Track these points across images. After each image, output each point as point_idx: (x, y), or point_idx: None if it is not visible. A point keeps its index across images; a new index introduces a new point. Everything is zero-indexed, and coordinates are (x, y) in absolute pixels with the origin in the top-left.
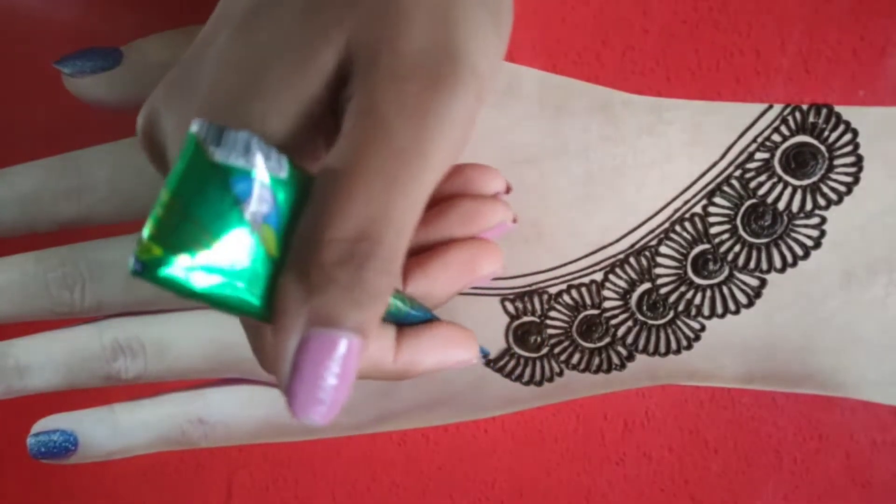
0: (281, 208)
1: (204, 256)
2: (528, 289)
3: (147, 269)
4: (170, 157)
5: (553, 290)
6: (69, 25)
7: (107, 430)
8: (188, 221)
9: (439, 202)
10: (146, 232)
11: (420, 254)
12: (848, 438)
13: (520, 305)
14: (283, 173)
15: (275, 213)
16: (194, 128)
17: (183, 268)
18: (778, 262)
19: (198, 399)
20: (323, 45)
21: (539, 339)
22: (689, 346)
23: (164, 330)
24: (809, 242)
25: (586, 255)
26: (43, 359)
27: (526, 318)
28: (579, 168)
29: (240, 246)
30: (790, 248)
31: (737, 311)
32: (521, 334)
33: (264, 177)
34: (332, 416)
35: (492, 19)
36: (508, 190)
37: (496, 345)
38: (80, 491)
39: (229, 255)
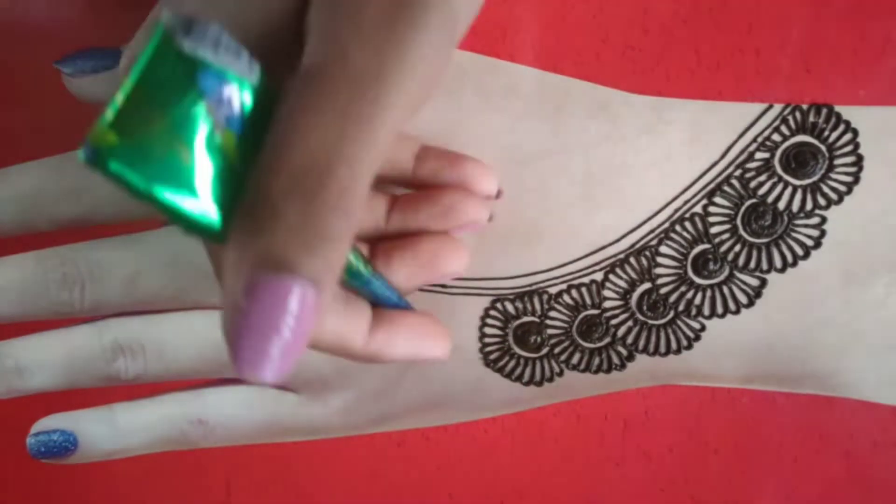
0: (246, 115)
1: (161, 151)
2: (528, 289)
3: (99, 156)
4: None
5: (553, 290)
6: (69, 25)
7: (107, 430)
8: (149, 111)
9: (429, 188)
10: (104, 117)
11: (389, 240)
12: (848, 438)
13: (520, 305)
14: (253, 77)
15: (239, 119)
16: (164, 17)
17: (137, 162)
18: (778, 262)
19: (198, 399)
20: None
21: (539, 339)
22: (689, 346)
23: (163, 330)
24: (809, 242)
25: (586, 255)
26: (43, 359)
27: (526, 318)
28: (579, 168)
29: (200, 146)
30: (790, 248)
31: (737, 311)
32: (521, 334)
33: (229, 75)
34: (282, 374)
35: None
36: (499, 195)
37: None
38: (80, 491)
39: (187, 155)
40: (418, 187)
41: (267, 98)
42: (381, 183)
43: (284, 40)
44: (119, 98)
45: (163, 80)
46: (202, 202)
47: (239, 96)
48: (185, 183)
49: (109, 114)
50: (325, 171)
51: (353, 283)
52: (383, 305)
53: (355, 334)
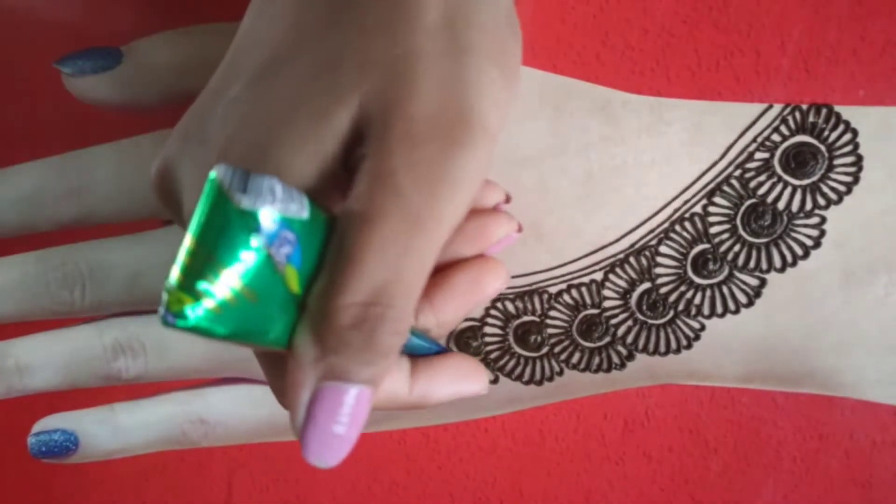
0: (303, 247)
1: (232, 300)
2: (528, 288)
3: (178, 318)
4: (186, 208)
5: (553, 290)
6: (69, 25)
7: (107, 430)
8: (214, 267)
9: None
10: (174, 281)
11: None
12: (848, 438)
13: (520, 305)
14: (305, 213)
15: (297, 253)
16: (217, 172)
17: (212, 314)
18: (778, 262)
19: (198, 399)
20: (337, 107)
21: (539, 338)
22: (689, 346)
23: (164, 330)
24: (809, 242)
25: (586, 255)
26: (43, 359)
27: (526, 318)
28: (579, 168)
29: (263, 287)
30: (790, 248)
31: (737, 311)
32: (521, 334)
33: (286, 219)
34: (341, 459)
35: (501, 74)
36: (508, 200)
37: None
38: (80, 491)
39: (254, 296)
40: None
41: (322, 226)
42: None
43: (335, 170)
44: (184, 258)
45: (222, 233)
46: (269, 330)
47: (295, 235)
48: (254, 321)
49: (177, 275)
50: (388, 305)
51: (402, 351)
52: (421, 356)
53: (400, 388)
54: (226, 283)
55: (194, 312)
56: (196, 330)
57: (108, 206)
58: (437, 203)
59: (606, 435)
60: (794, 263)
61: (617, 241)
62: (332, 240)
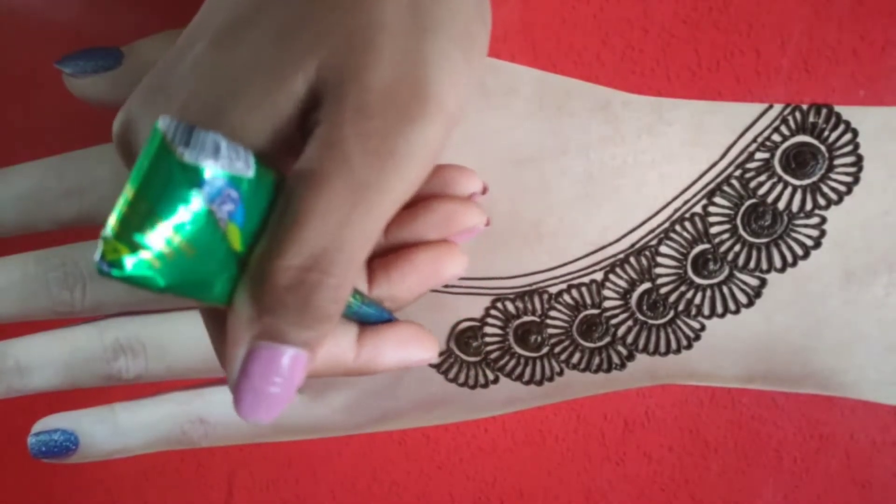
0: (246, 205)
1: (169, 253)
2: (528, 288)
3: (113, 268)
4: None
5: (553, 290)
6: (69, 25)
7: (107, 430)
8: (152, 219)
9: (415, 202)
10: (110, 230)
11: (387, 254)
12: (848, 438)
13: (520, 305)
14: (250, 172)
15: (240, 211)
16: (161, 124)
17: (148, 266)
18: (778, 262)
19: (198, 399)
20: (294, 71)
21: (539, 338)
22: (689, 346)
23: (164, 330)
24: (809, 242)
25: (586, 255)
26: (43, 358)
27: (526, 318)
28: (579, 168)
29: (204, 242)
30: (790, 248)
31: (737, 311)
32: (521, 334)
33: (230, 177)
34: (274, 416)
35: (464, 57)
36: (485, 190)
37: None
38: (80, 491)
39: (193, 251)
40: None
41: (268, 184)
42: None
43: (289, 134)
44: (122, 208)
45: (164, 186)
46: (209, 286)
47: (238, 192)
48: (193, 276)
49: (114, 223)
50: (325, 272)
51: (349, 316)
52: (370, 323)
53: (345, 354)
54: (163, 236)
55: (131, 262)
56: (132, 280)
57: (107, 206)
58: (384, 175)
59: (606, 435)
60: (794, 263)
61: (617, 241)
62: (279, 201)
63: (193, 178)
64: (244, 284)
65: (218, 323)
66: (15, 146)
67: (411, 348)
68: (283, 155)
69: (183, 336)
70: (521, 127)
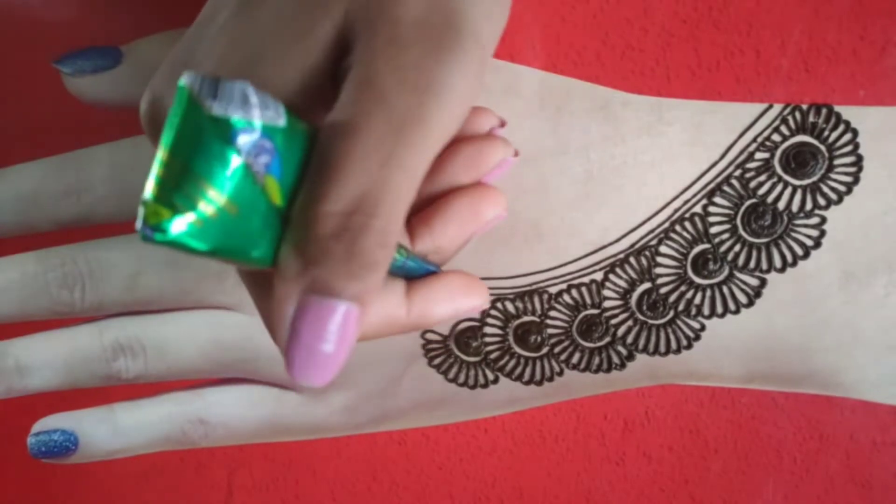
0: (282, 156)
1: (212, 213)
2: (528, 288)
3: (157, 232)
4: None
5: (553, 290)
6: (69, 25)
7: (107, 430)
8: (190, 178)
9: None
10: (150, 194)
11: (423, 209)
12: (848, 438)
13: (520, 305)
14: (282, 121)
15: (276, 162)
16: (186, 80)
17: (192, 227)
18: (778, 262)
19: (198, 399)
20: (321, 16)
21: (539, 338)
22: (689, 346)
23: (164, 330)
24: (809, 242)
25: (586, 255)
26: (43, 358)
27: (526, 318)
28: (579, 168)
29: (244, 199)
30: (790, 248)
31: (737, 311)
32: (521, 334)
33: (263, 126)
34: (329, 379)
35: None
36: (503, 124)
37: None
38: (80, 491)
39: (235, 209)
40: None
41: (302, 136)
42: None
43: (322, 84)
44: (158, 170)
45: (196, 143)
46: (254, 245)
47: (272, 143)
48: (238, 237)
49: (152, 186)
50: (370, 215)
51: (395, 272)
52: (416, 277)
53: (397, 310)
54: (204, 195)
55: (174, 226)
56: (177, 244)
57: (107, 206)
58: (423, 110)
59: (606, 435)
60: (794, 263)
61: (617, 241)
62: (315, 149)
63: (225, 130)
64: (288, 239)
65: (263, 287)
66: (15, 146)
67: (462, 297)
68: (316, 107)
69: (183, 336)
70: (521, 127)
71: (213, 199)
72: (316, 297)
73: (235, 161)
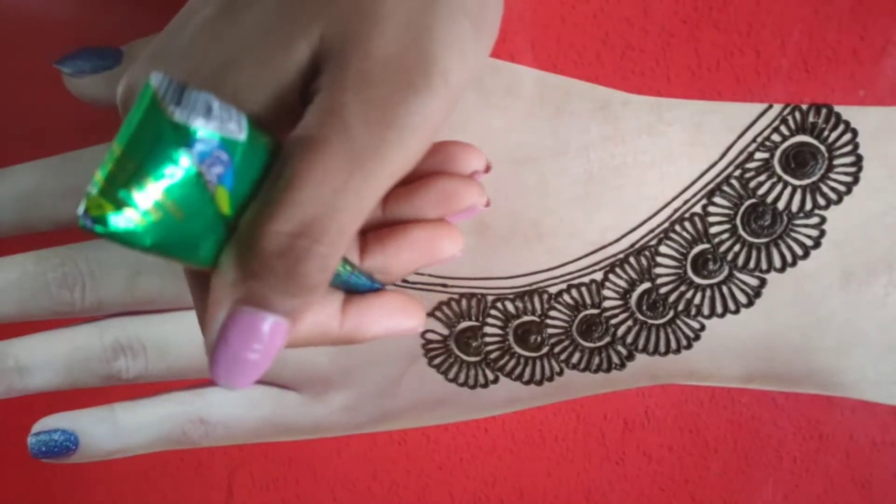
0: (237, 169)
1: (156, 213)
2: (528, 288)
3: (97, 224)
4: None
5: (553, 290)
6: (69, 25)
7: (107, 430)
8: (139, 177)
9: (415, 179)
10: (96, 186)
11: (383, 228)
12: (848, 438)
13: (520, 305)
14: (242, 135)
15: (230, 174)
16: (153, 81)
17: (133, 224)
18: (778, 262)
19: (198, 399)
20: (299, 36)
21: (539, 338)
22: (688, 346)
23: (164, 329)
24: (809, 242)
25: (586, 255)
26: (43, 358)
27: (526, 318)
28: (579, 168)
29: (191, 205)
30: (790, 248)
31: (737, 311)
32: (521, 334)
33: (221, 138)
34: (249, 384)
35: (473, 28)
36: (488, 169)
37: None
38: (80, 491)
39: (180, 213)
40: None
41: (262, 150)
42: None
43: (291, 101)
44: (109, 164)
45: (152, 144)
46: (195, 247)
47: (228, 155)
48: (180, 237)
49: (100, 180)
50: (316, 240)
51: (337, 284)
52: (358, 293)
53: (330, 321)
54: (150, 195)
55: (115, 219)
56: (115, 237)
57: None
58: (383, 145)
59: (606, 435)
60: (793, 263)
61: (617, 241)
62: (274, 166)
63: (183, 137)
64: (231, 247)
65: (202, 288)
66: (15, 146)
67: (397, 317)
68: (283, 123)
69: (183, 336)
70: (521, 127)
71: (160, 201)
72: (249, 308)
73: (188, 167)
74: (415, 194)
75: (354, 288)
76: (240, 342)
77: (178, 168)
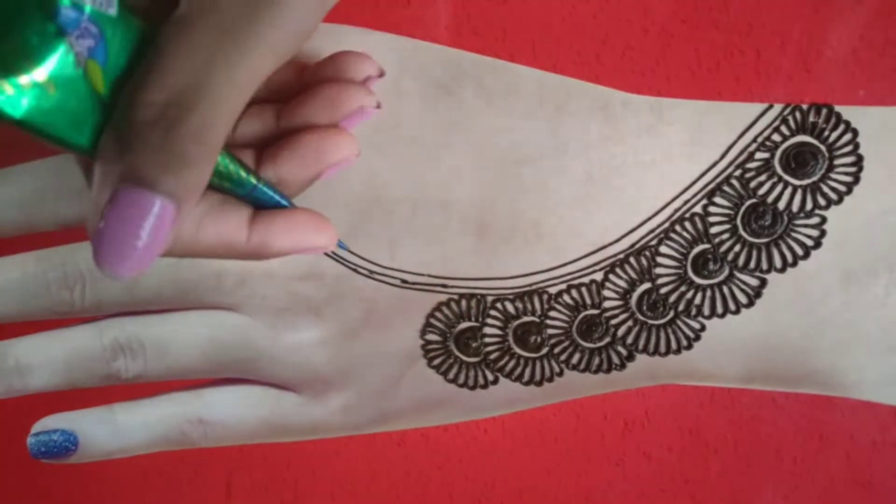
0: (108, 45)
1: (26, 84)
2: (528, 289)
3: None
4: None
5: (553, 290)
6: None
7: (107, 430)
8: (9, 46)
9: (305, 89)
10: None
11: (278, 141)
12: (848, 438)
13: (520, 305)
14: (112, 10)
15: (101, 49)
16: None
17: (3, 95)
18: (778, 262)
19: (197, 399)
20: None
21: (539, 339)
22: (689, 346)
23: (163, 330)
24: (809, 242)
25: (586, 255)
26: (43, 358)
27: (526, 318)
28: (579, 168)
29: (63, 78)
30: (790, 248)
31: (737, 311)
32: (521, 334)
33: (91, 10)
34: (135, 273)
35: None
36: (381, 74)
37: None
38: (81, 491)
39: (52, 86)
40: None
41: (135, 33)
42: (268, 101)
43: None
44: None
45: (18, 12)
46: (73, 128)
47: (99, 29)
48: (52, 111)
49: None
50: (186, 106)
51: (236, 190)
52: (269, 208)
53: (236, 232)
54: (20, 65)
55: None
56: None
57: None
58: (254, 20)
59: (606, 435)
60: (794, 263)
61: (617, 241)
62: (151, 42)
63: (50, 5)
64: (109, 126)
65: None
66: (15, 146)
67: (307, 233)
68: (161, 15)
69: (183, 336)
70: (521, 127)
71: (29, 71)
72: (129, 186)
73: (57, 38)
74: (303, 102)
75: (263, 203)
76: (122, 223)
77: (46, 37)
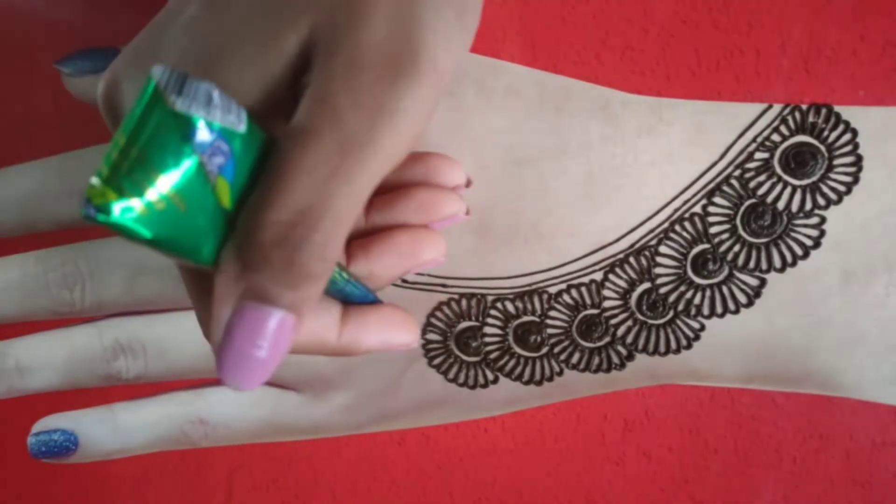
0: (237, 161)
1: (158, 203)
2: (528, 288)
3: (100, 212)
4: None
5: (553, 290)
6: (69, 25)
7: (107, 430)
8: (143, 167)
9: (398, 187)
10: (99, 175)
11: (369, 235)
12: (848, 438)
13: (520, 305)
14: (242, 127)
15: (230, 166)
16: (155, 72)
17: (137, 214)
18: (778, 262)
19: (198, 399)
20: (287, 30)
21: (539, 338)
22: (688, 346)
23: (164, 330)
24: (809, 242)
25: (586, 255)
26: (43, 359)
27: (526, 318)
28: (579, 168)
29: (193, 195)
30: (790, 248)
31: (737, 311)
32: (521, 334)
33: (222, 128)
34: (257, 384)
35: (457, 17)
36: (468, 184)
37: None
38: (80, 491)
39: (183, 204)
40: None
41: (259, 144)
42: None
43: (281, 95)
44: (113, 153)
45: (155, 134)
46: (198, 243)
47: (229, 146)
48: (182, 231)
49: (104, 169)
50: (312, 228)
51: (328, 289)
52: (355, 303)
53: (328, 331)
54: (153, 185)
55: (118, 208)
56: (118, 227)
57: None
58: (374, 130)
59: (606, 435)
60: (793, 263)
61: (617, 241)
62: (269, 160)
63: (185, 127)
64: (231, 242)
65: (201, 288)
66: (15, 146)
67: (394, 331)
68: (274, 118)
69: (183, 336)
70: (521, 127)
71: (163, 191)
72: (252, 303)
73: (190, 158)
74: (397, 202)
75: (351, 298)
76: (245, 339)
77: (180, 158)
